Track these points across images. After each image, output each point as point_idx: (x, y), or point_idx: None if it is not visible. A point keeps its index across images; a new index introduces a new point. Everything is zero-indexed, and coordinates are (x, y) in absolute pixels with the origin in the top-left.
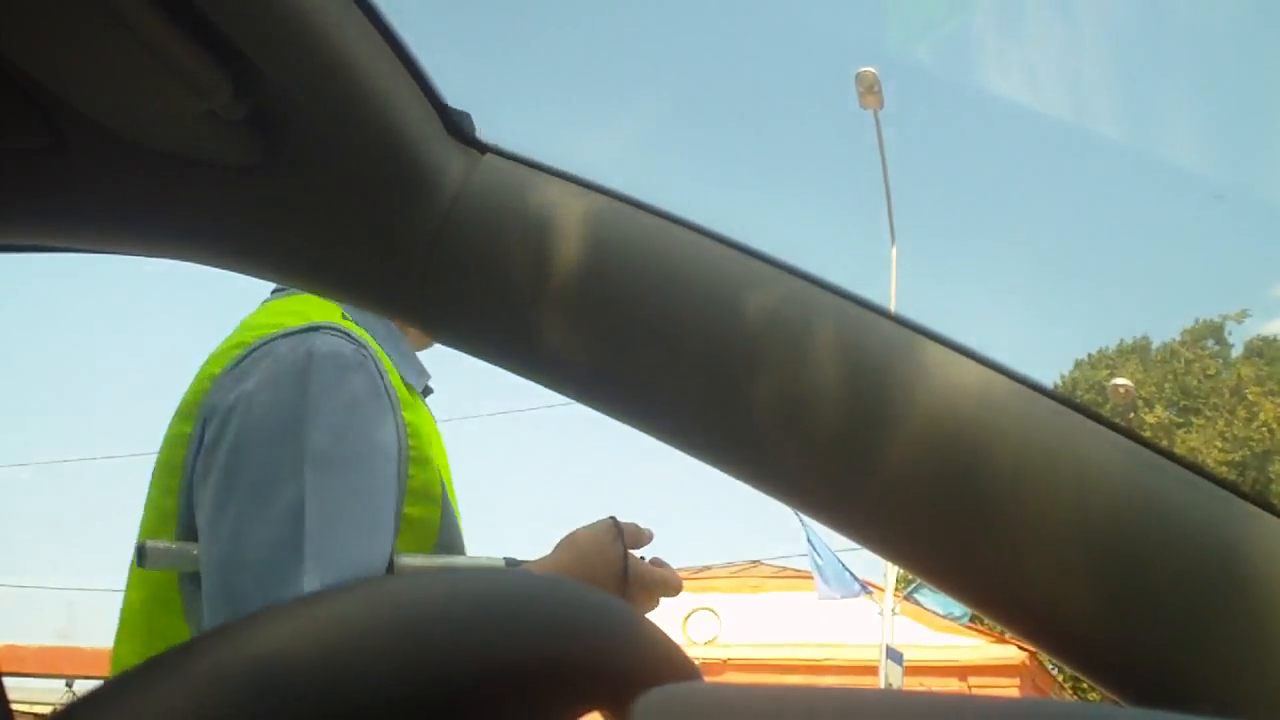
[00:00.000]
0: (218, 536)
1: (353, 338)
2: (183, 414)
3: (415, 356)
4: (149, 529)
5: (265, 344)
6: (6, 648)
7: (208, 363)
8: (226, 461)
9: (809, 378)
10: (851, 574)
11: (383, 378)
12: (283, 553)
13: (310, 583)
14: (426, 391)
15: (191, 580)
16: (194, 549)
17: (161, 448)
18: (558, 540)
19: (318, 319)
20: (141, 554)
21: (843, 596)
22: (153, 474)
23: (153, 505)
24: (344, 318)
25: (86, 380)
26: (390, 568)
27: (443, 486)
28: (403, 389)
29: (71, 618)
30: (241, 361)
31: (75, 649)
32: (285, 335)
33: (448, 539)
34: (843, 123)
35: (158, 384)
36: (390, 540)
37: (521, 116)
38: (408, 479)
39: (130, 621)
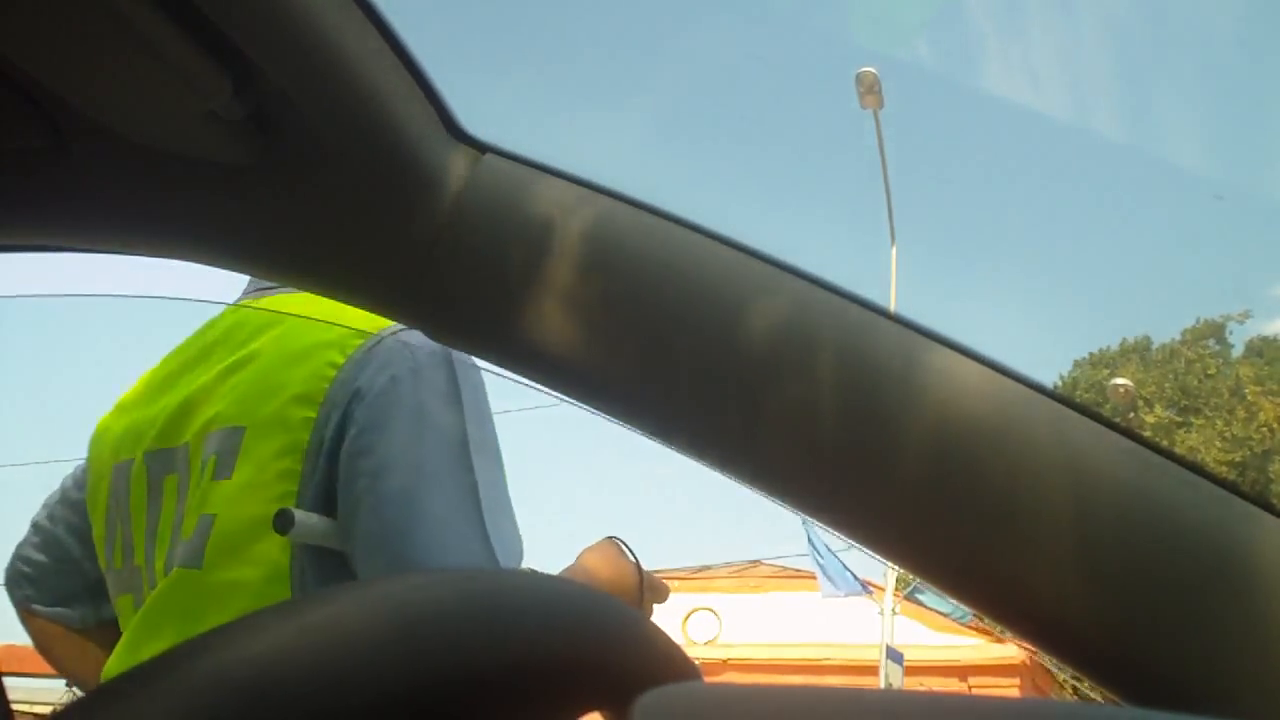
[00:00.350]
0: (385, 508)
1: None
2: (296, 399)
3: None
4: (245, 512)
5: (392, 336)
6: (6, 648)
7: (311, 354)
8: (391, 437)
9: (809, 378)
10: (852, 573)
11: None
12: (465, 525)
13: (489, 556)
14: None
15: (310, 555)
16: (327, 523)
17: (257, 436)
18: (554, 546)
19: (374, 328)
20: (287, 521)
21: (846, 594)
22: (239, 459)
23: (251, 488)
24: None
25: (86, 379)
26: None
27: None
28: None
29: None
30: (373, 349)
31: None
32: (406, 330)
33: None
34: (843, 123)
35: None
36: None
37: (521, 116)
38: None
39: (239, 599)
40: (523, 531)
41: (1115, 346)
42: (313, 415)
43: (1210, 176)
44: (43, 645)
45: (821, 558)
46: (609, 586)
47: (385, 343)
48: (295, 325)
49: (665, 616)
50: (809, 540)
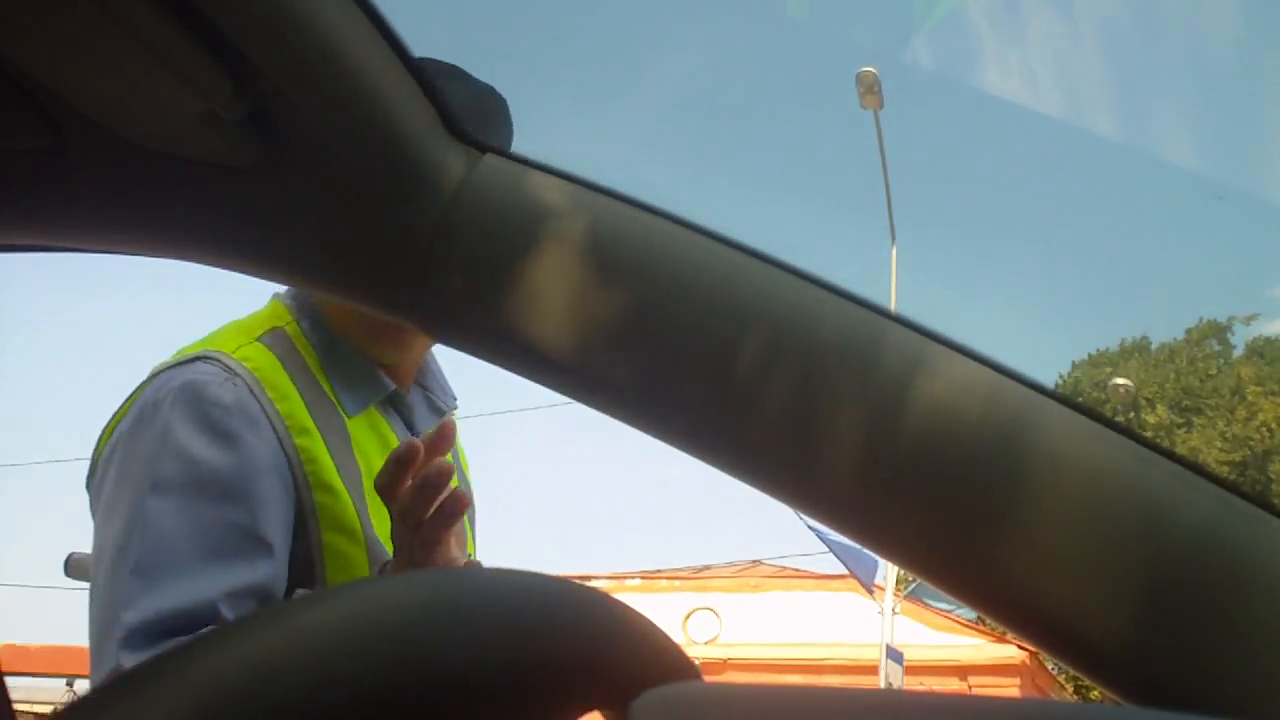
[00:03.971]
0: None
1: (230, 369)
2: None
3: (376, 374)
4: None
5: (144, 384)
6: (7, 647)
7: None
8: (99, 496)
9: (809, 377)
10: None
11: (261, 405)
12: (117, 565)
13: (132, 593)
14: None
15: None
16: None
17: None
18: (554, 546)
19: (217, 347)
20: (69, 564)
21: (870, 580)
22: None
23: None
24: (268, 338)
25: (85, 379)
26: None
27: (360, 516)
28: (305, 418)
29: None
30: (125, 404)
31: (76, 648)
32: (162, 372)
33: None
34: (843, 123)
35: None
36: (240, 571)
37: (521, 116)
38: (316, 507)
39: None
40: (522, 531)
41: (1116, 347)
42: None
43: (1210, 176)
44: None
45: (839, 550)
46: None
47: (135, 394)
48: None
49: (665, 616)
50: (816, 535)
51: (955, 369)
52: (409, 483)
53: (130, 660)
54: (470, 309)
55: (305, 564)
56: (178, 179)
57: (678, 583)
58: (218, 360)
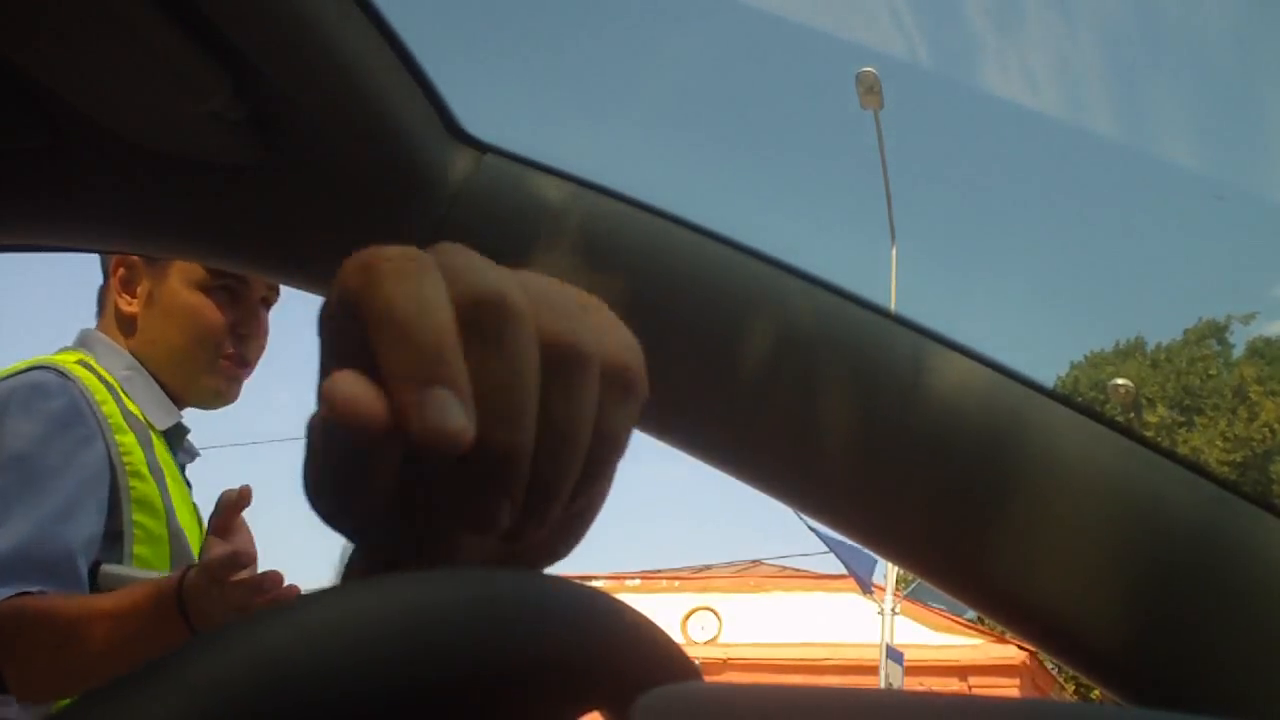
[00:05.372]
0: None
1: (63, 374)
2: None
3: (169, 404)
4: None
5: None
6: None
7: None
8: None
9: (809, 377)
10: (866, 552)
11: (88, 403)
12: None
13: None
14: (181, 431)
15: None
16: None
17: None
18: None
19: (50, 361)
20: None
21: (867, 575)
22: None
23: None
24: (79, 364)
25: None
26: (94, 574)
27: (167, 501)
28: (121, 420)
29: None
30: None
31: None
32: (5, 380)
33: (179, 550)
34: (843, 123)
35: None
36: (86, 527)
37: (521, 116)
38: (129, 489)
39: None
40: None
41: (1114, 347)
42: None
43: (1210, 176)
44: None
45: (839, 550)
46: None
47: None
48: None
49: (665, 616)
50: (816, 533)
51: (955, 369)
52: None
53: None
54: None
55: (115, 539)
56: (178, 179)
57: (678, 583)
58: (53, 369)
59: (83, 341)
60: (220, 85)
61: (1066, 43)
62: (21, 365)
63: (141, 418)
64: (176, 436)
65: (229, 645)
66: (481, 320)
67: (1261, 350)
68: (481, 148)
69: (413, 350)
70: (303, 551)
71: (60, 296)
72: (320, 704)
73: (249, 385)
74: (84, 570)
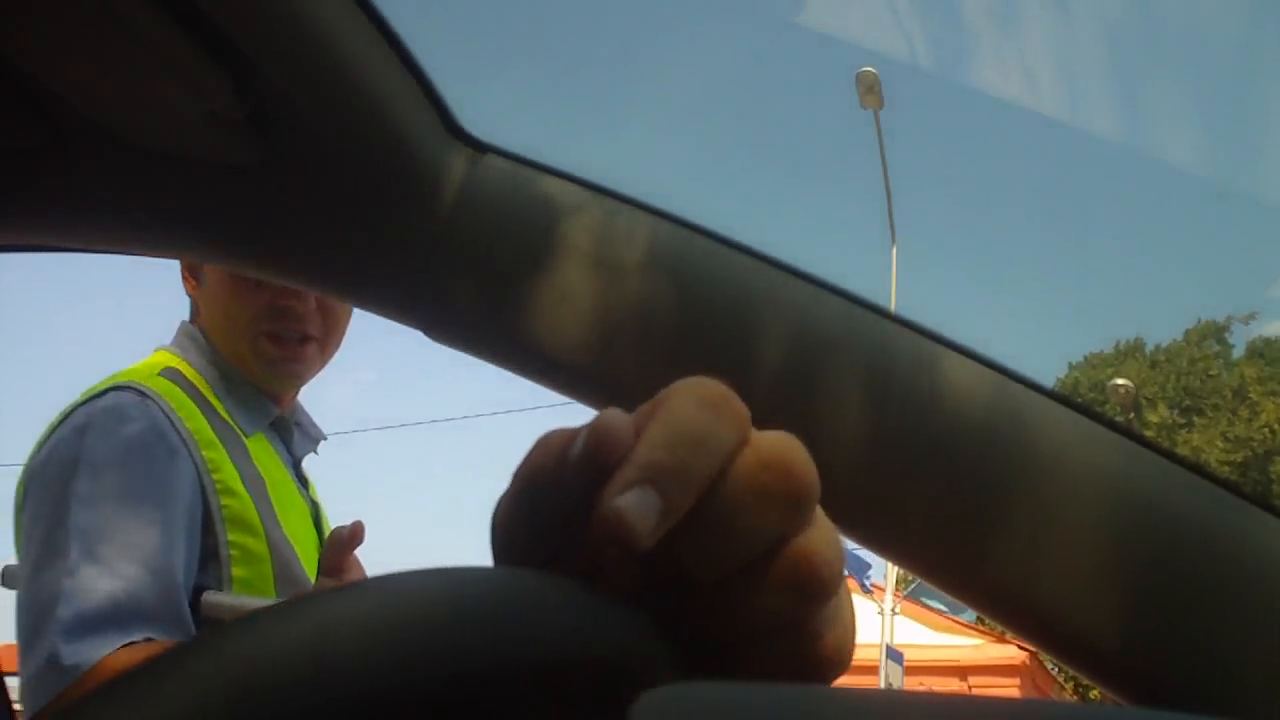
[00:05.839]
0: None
1: (142, 393)
2: None
3: (263, 401)
4: None
5: (59, 420)
6: (7, 648)
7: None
8: (20, 520)
9: (809, 377)
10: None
11: (171, 422)
12: (48, 567)
13: (65, 606)
14: (285, 423)
15: None
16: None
17: None
18: None
19: (130, 378)
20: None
21: (862, 578)
22: None
23: None
24: (165, 373)
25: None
26: (196, 606)
27: (265, 514)
28: (210, 434)
29: None
30: (46, 435)
31: None
32: (79, 406)
33: (282, 568)
34: (843, 123)
35: None
36: (183, 558)
37: (522, 116)
38: (222, 509)
39: None
40: None
41: (1114, 348)
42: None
43: (1210, 176)
44: None
45: None
46: None
47: (53, 427)
48: None
49: None
50: None
51: (955, 369)
52: (348, 567)
53: (67, 650)
54: (470, 308)
55: (213, 559)
56: (178, 179)
57: None
58: (131, 388)
59: (176, 337)
60: (220, 85)
61: (1066, 43)
62: (102, 385)
63: (232, 424)
64: (283, 429)
65: (228, 644)
66: (759, 476)
67: (1261, 350)
68: (481, 148)
69: (666, 451)
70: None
71: (60, 297)
72: (314, 704)
73: None
74: (186, 607)
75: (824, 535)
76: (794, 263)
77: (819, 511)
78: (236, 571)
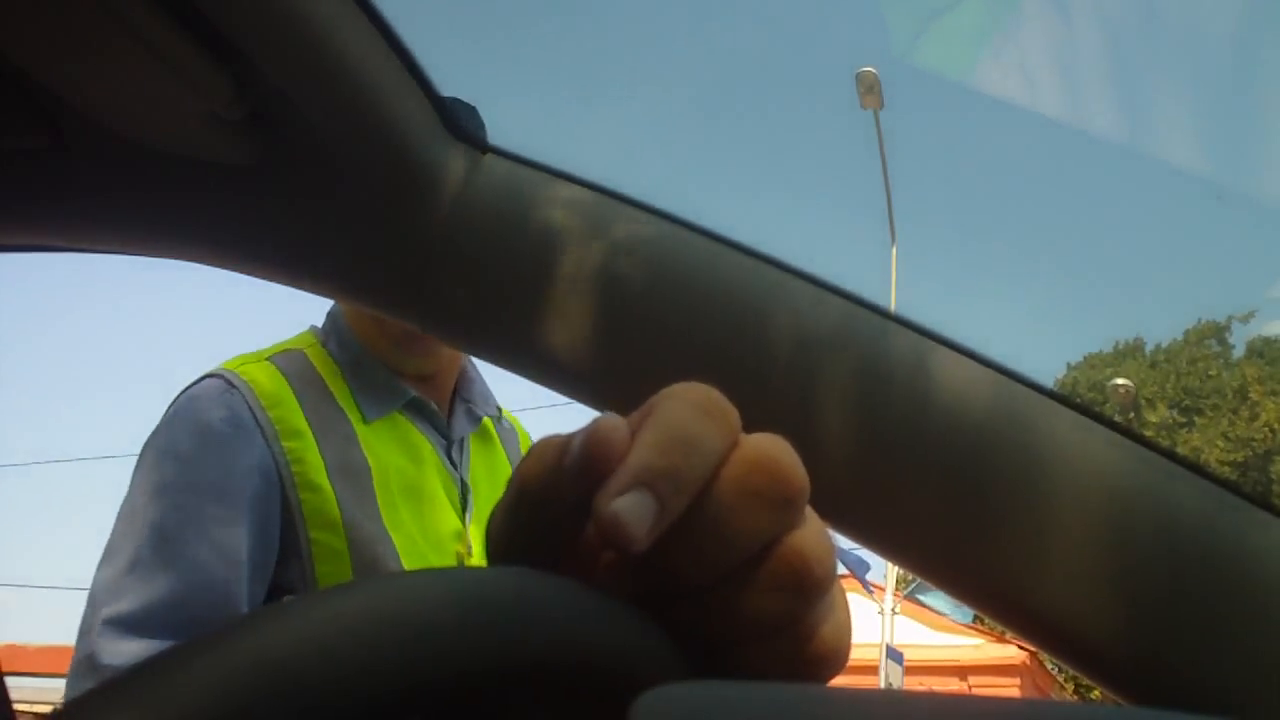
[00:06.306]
0: None
1: (230, 381)
2: None
3: (394, 383)
4: None
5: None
6: (7, 647)
7: None
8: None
9: (809, 377)
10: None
11: (251, 411)
12: (113, 561)
13: (122, 586)
14: (421, 405)
15: None
16: None
17: None
18: None
19: (231, 367)
20: None
21: (862, 578)
22: None
23: None
24: (265, 360)
25: (86, 379)
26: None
27: (347, 509)
28: (300, 423)
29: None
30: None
31: None
32: (181, 392)
33: (366, 565)
34: (842, 122)
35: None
36: (249, 556)
37: (522, 116)
38: (300, 503)
39: None
40: None
41: (1113, 348)
42: None
43: (1210, 176)
44: None
45: (839, 551)
46: None
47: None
48: None
49: None
50: None
51: (955, 369)
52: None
53: (107, 649)
54: (470, 309)
55: (294, 556)
56: (178, 179)
57: None
58: (220, 377)
59: (325, 318)
60: (220, 85)
61: (1066, 43)
62: (211, 372)
63: (349, 410)
64: (424, 410)
65: (230, 642)
66: (748, 478)
67: (1261, 350)
68: (481, 148)
69: (659, 454)
70: None
71: (59, 297)
72: (319, 705)
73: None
74: (242, 611)
75: (814, 533)
76: (794, 263)
77: (809, 510)
78: (321, 569)
